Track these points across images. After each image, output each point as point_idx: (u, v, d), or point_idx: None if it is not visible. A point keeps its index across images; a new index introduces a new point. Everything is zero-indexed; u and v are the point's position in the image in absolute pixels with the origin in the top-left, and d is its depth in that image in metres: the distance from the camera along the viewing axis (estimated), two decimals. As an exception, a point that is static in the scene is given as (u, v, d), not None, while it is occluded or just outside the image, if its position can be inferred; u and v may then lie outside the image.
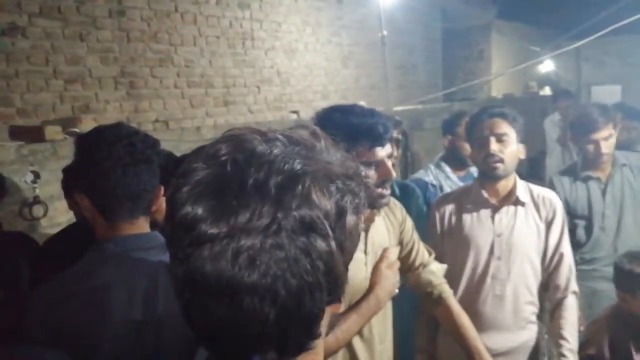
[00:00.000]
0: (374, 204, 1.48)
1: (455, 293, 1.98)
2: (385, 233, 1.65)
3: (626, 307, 2.04)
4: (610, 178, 2.66)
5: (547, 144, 5.01)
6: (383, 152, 1.44)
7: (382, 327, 1.64)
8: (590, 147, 2.61)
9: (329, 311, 0.58)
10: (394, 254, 1.63)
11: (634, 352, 1.99)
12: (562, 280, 1.98)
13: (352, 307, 1.50)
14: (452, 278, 2.00)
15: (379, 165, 1.45)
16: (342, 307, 0.63)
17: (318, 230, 0.52)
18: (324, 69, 6.14)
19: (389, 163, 1.47)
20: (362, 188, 0.59)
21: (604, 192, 2.65)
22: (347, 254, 0.57)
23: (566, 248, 2.02)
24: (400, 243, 1.72)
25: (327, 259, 0.53)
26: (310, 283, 0.51)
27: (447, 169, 2.84)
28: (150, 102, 4.43)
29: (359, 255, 1.55)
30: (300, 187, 0.52)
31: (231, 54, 5.12)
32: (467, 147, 2.69)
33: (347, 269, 0.58)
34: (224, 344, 0.53)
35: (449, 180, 2.78)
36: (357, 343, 1.56)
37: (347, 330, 1.46)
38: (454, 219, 2.06)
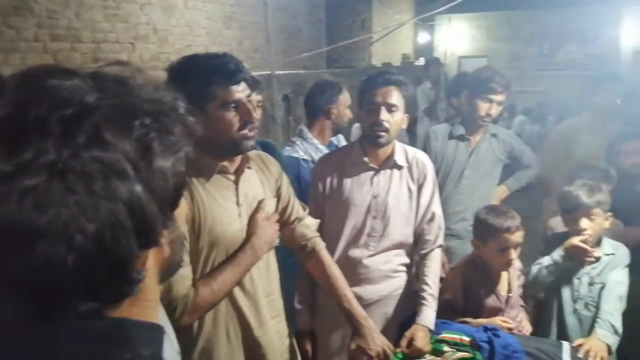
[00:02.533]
0: (237, 147, 1.48)
1: (334, 249, 2.08)
2: (259, 186, 1.66)
3: (478, 255, 2.26)
4: (479, 143, 2.94)
5: (417, 112, 5.29)
6: (240, 91, 1.44)
7: (266, 280, 1.67)
8: (483, 107, 2.82)
9: (152, 255, 0.57)
10: (270, 205, 1.65)
11: (484, 297, 2.21)
12: (431, 236, 2.14)
13: (228, 258, 1.50)
14: (333, 235, 2.11)
15: (238, 106, 1.45)
16: (167, 252, 0.61)
17: (116, 173, 0.49)
18: (206, 29, 5.91)
19: (250, 105, 1.47)
20: (177, 125, 0.56)
21: (470, 154, 2.93)
22: (160, 194, 0.54)
23: (437, 207, 2.17)
24: (278, 198, 1.74)
25: (131, 202, 0.50)
26: (111, 227, 0.49)
27: (315, 140, 2.67)
28: (5, 55, 3.96)
29: (231, 206, 1.55)
30: (88, 122, 0.49)
31: (101, 6, 4.73)
32: (346, 114, 2.78)
33: (165, 210, 0.56)
34: (32, 295, 0.50)
35: (319, 152, 2.63)
36: (241, 298, 1.58)
37: (222, 281, 1.46)
38: (335, 181, 2.14)
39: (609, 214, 2.27)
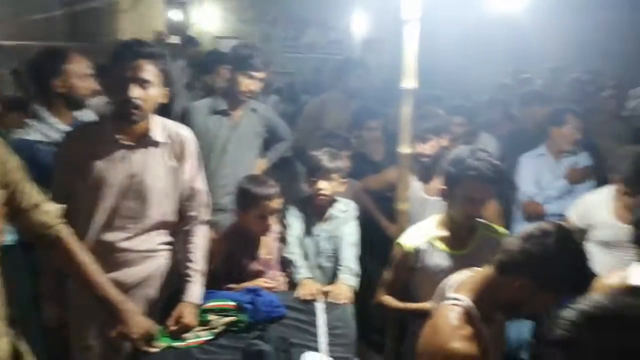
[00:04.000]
0: None
1: (85, 234, 1.90)
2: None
3: (240, 223, 2.34)
4: (241, 118, 3.03)
5: (176, 89, 5.19)
6: None
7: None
8: (246, 83, 2.91)
9: None
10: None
11: (246, 262, 2.32)
12: (195, 212, 2.12)
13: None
14: (84, 220, 1.93)
15: None
16: None
17: None
18: None
19: None
20: None
21: (232, 129, 3.00)
22: None
23: (200, 183, 2.13)
24: (6, 185, 1.50)
25: None
26: None
27: (53, 119, 2.36)
28: None
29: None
30: None
31: None
32: (82, 86, 2.51)
33: None
34: None
35: (60, 132, 2.32)
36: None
37: None
38: (85, 160, 1.93)
39: (345, 179, 2.59)
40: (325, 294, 2.25)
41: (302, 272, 2.36)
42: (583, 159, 3.35)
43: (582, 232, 2.62)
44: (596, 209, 2.59)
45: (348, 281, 2.38)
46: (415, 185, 2.80)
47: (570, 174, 3.24)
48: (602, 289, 1.90)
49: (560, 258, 1.35)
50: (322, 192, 2.50)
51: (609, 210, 2.55)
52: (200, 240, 2.10)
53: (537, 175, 3.35)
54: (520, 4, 4.18)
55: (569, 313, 0.77)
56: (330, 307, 2.17)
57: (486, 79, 7.28)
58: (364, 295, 2.54)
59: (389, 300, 2.19)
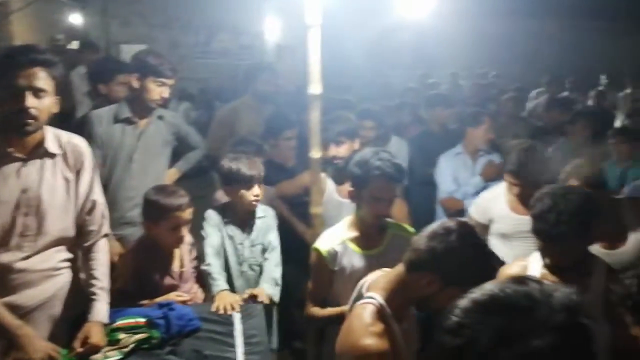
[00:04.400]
0: None
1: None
2: None
3: (149, 237, 2.25)
4: (147, 126, 2.90)
5: (76, 97, 4.91)
6: None
7: None
8: (156, 90, 2.79)
9: None
10: None
11: (158, 277, 2.23)
12: (95, 226, 2.01)
13: None
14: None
15: None
16: None
17: None
18: None
19: None
20: None
21: (138, 137, 2.87)
22: None
23: (98, 195, 2.03)
24: None
25: None
26: None
27: None
28: None
29: None
30: None
31: None
32: None
33: None
34: None
35: None
36: None
37: None
38: None
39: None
40: (247, 299, 2.23)
41: (219, 284, 2.32)
42: (497, 158, 3.57)
43: (484, 228, 2.77)
44: (493, 203, 2.76)
45: (268, 290, 2.40)
46: (331, 189, 2.84)
47: (485, 172, 3.41)
48: (504, 278, 2.03)
49: (463, 253, 1.42)
50: (255, 199, 2.47)
51: (504, 203, 2.73)
52: (103, 256, 2.01)
53: (455, 173, 3.54)
54: (427, 10, 4.38)
55: (461, 301, 0.81)
56: (247, 316, 2.14)
57: (396, 83, 7.57)
58: (285, 302, 2.54)
59: (317, 311, 2.18)
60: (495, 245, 2.78)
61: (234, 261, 2.50)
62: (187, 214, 2.23)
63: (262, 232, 2.57)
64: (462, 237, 1.45)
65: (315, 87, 2.28)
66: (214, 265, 2.38)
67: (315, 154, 2.37)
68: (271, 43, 8.33)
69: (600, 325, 1.82)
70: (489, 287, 0.82)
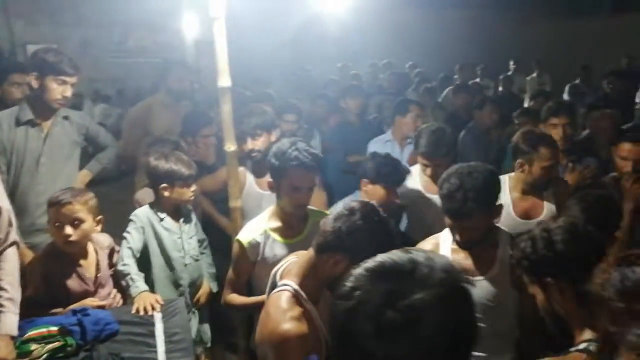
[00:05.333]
0: None
1: None
2: None
3: (57, 243, 2.15)
4: (52, 127, 2.78)
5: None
6: None
7: None
8: (58, 89, 2.69)
9: None
10: None
11: (69, 283, 2.14)
12: (1, 234, 1.90)
13: None
14: None
15: None
16: None
17: None
18: None
19: None
20: None
21: (44, 140, 2.73)
22: None
23: (3, 201, 1.93)
24: None
25: None
26: None
27: None
28: None
29: None
30: None
31: None
32: None
33: None
34: None
35: None
36: None
37: None
38: None
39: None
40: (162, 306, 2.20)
41: (139, 285, 2.26)
42: None
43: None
44: (409, 185, 2.88)
45: (213, 287, 2.58)
46: (250, 181, 2.84)
47: (411, 159, 3.50)
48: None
49: (366, 231, 1.48)
50: (192, 194, 2.53)
51: (418, 184, 2.85)
52: (10, 265, 1.90)
53: None
54: (347, 3, 4.47)
55: (354, 269, 0.86)
56: (168, 315, 2.11)
57: (319, 75, 7.65)
58: (216, 298, 2.54)
59: (234, 297, 2.20)
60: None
61: (177, 255, 2.49)
62: (68, 210, 2.12)
63: (197, 225, 2.65)
64: (365, 216, 1.50)
65: (224, 80, 2.27)
66: (131, 266, 2.32)
67: (230, 147, 2.36)
68: (190, 39, 8.15)
69: (510, 292, 1.95)
70: (379, 256, 0.87)
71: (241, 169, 2.82)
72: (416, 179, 2.90)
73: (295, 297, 1.56)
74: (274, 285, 1.67)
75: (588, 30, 10.55)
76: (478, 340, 0.84)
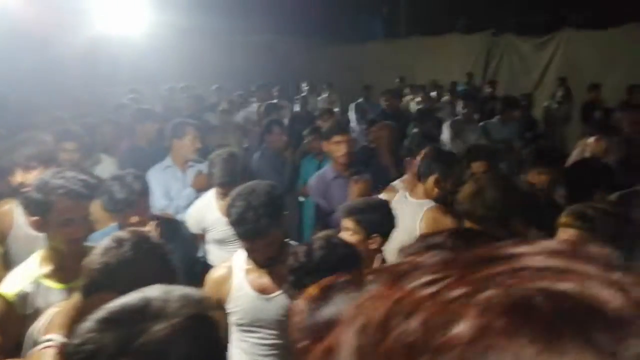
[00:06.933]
0: None
1: None
2: None
3: None
4: None
5: None
6: None
7: None
8: None
9: None
10: None
11: None
12: None
13: None
14: None
15: None
16: None
17: None
18: None
19: None
20: None
21: None
22: None
23: None
24: None
25: None
26: None
27: None
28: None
29: None
30: None
31: None
32: None
33: None
34: None
35: None
36: None
37: None
38: None
39: None
40: None
41: None
42: (205, 167, 3.58)
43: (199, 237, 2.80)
44: (205, 211, 2.81)
45: None
46: (19, 222, 2.48)
47: (195, 182, 3.37)
48: (211, 281, 2.06)
49: (139, 262, 1.36)
50: None
51: (216, 210, 2.80)
52: None
53: (165, 187, 3.40)
54: (140, 29, 4.26)
55: (82, 324, 0.78)
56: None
57: (110, 99, 7.18)
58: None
59: None
60: (213, 251, 2.83)
61: None
62: None
63: None
64: (135, 245, 1.39)
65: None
66: None
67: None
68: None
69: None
70: (110, 303, 0.83)
71: (6, 207, 2.45)
72: (212, 204, 2.84)
73: (64, 353, 1.37)
74: (34, 344, 1.44)
75: (368, 54, 11.82)
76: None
